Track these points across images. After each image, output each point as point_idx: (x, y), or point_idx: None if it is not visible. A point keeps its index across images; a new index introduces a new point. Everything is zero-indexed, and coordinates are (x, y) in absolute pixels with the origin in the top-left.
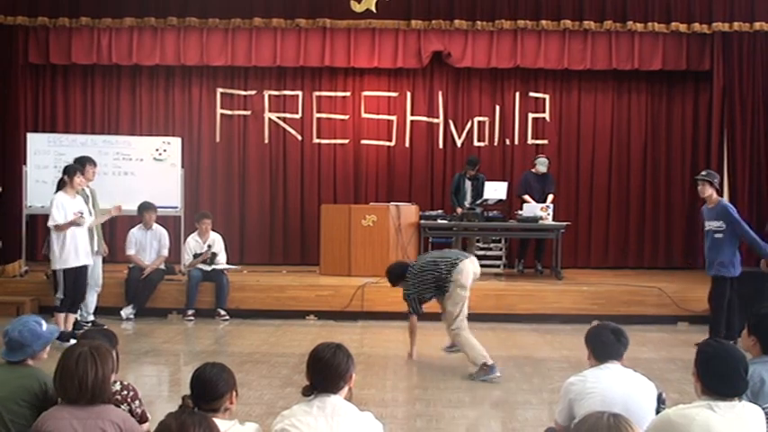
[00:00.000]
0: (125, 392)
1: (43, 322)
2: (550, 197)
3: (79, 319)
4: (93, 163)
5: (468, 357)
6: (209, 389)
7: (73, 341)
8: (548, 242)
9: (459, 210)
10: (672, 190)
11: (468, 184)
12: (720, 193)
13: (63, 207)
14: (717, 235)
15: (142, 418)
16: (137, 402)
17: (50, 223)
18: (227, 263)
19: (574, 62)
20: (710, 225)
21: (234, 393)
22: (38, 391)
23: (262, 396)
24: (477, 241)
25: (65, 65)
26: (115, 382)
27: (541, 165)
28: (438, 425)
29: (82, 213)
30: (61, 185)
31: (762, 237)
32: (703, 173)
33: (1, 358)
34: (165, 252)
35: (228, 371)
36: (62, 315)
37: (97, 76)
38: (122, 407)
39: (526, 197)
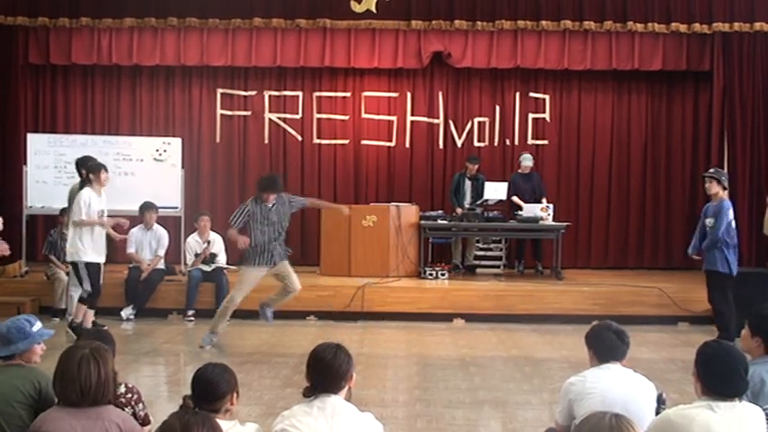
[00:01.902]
0: (129, 395)
1: (37, 323)
2: (544, 201)
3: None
4: (106, 169)
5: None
6: (211, 389)
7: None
8: (546, 242)
9: (458, 210)
10: (672, 190)
11: (468, 184)
12: (727, 191)
13: (88, 204)
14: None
15: (144, 421)
16: (140, 405)
17: (75, 218)
18: (227, 263)
19: (574, 62)
20: (709, 222)
21: (235, 394)
22: (32, 392)
23: (262, 396)
24: (477, 242)
25: (65, 65)
26: (120, 384)
27: (527, 160)
28: (438, 425)
29: (103, 212)
30: (84, 183)
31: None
32: (711, 170)
33: None
34: (162, 252)
35: (230, 371)
36: (84, 306)
37: (97, 77)
38: (126, 410)
39: (515, 198)
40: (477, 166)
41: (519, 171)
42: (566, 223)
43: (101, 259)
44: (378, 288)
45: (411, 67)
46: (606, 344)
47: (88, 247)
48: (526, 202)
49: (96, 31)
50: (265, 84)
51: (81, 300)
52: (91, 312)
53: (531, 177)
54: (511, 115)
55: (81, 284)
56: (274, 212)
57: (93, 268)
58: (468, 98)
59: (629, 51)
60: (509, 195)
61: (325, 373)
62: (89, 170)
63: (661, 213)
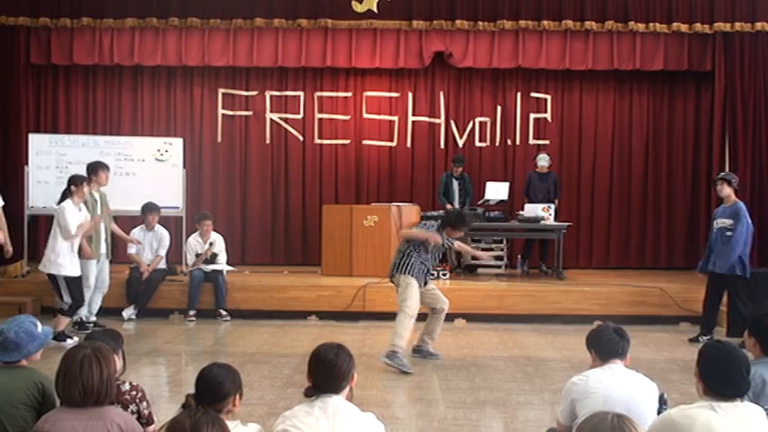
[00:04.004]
0: (133, 393)
1: (38, 323)
2: (557, 202)
3: (83, 319)
4: (107, 168)
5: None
6: (215, 389)
7: (69, 341)
8: (550, 242)
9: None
10: (673, 190)
11: (455, 183)
12: (738, 194)
13: (66, 221)
14: (728, 233)
15: (149, 420)
16: (144, 404)
17: (64, 236)
18: (227, 263)
19: (575, 62)
20: (723, 222)
21: (238, 396)
22: (35, 393)
23: (263, 396)
24: (477, 241)
25: (66, 65)
26: (124, 382)
27: (542, 160)
28: (440, 425)
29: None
30: (66, 195)
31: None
32: (722, 173)
33: None
34: (162, 252)
35: (235, 372)
36: (66, 318)
37: (99, 77)
38: (131, 407)
39: (527, 205)
40: (461, 168)
41: (536, 170)
42: (567, 223)
43: (77, 272)
44: (379, 288)
45: (412, 67)
46: (605, 341)
47: (66, 261)
48: (540, 201)
49: (98, 31)
50: (267, 84)
51: (62, 312)
52: (66, 319)
53: (548, 177)
54: (512, 115)
55: (60, 298)
56: None
57: (73, 282)
58: (470, 98)
59: (631, 51)
60: (523, 193)
61: (327, 373)
62: (71, 182)
63: (662, 213)
